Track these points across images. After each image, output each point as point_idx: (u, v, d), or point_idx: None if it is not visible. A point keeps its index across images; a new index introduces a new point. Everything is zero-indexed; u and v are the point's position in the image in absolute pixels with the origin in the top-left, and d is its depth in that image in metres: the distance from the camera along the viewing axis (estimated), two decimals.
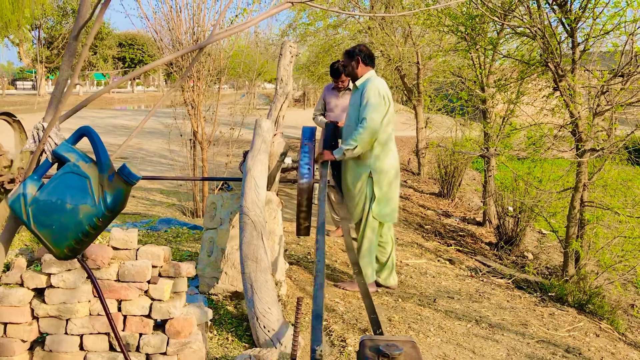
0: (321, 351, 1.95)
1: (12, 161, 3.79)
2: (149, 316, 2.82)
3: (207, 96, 7.16)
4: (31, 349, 2.82)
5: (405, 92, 12.40)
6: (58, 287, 2.73)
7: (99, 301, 2.76)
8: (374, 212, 4.42)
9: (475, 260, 6.31)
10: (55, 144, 1.71)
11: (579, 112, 5.36)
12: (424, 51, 11.17)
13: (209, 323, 3.43)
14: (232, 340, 3.40)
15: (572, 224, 5.51)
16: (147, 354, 2.82)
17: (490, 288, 5.19)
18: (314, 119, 6.11)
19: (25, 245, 3.40)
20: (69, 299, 2.74)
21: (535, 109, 6.31)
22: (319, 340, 2.06)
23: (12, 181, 3.52)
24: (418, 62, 11.12)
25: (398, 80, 12.09)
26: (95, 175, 1.66)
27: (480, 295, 4.91)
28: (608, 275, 5.55)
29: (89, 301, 2.80)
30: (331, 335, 3.68)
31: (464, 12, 6.82)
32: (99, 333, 2.80)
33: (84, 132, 1.71)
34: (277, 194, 4.45)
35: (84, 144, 1.74)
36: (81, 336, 2.80)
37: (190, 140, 7.30)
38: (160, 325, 2.88)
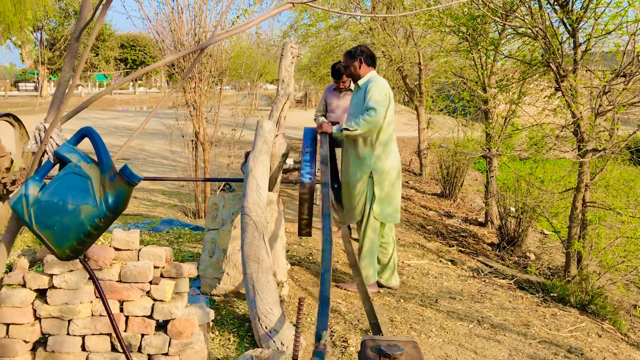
0: (325, 340, 1.92)
1: (12, 160, 3.80)
2: (150, 317, 2.83)
3: (209, 97, 7.17)
4: (33, 349, 2.83)
5: (407, 92, 12.40)
6: (60, 288, 2.74)
7: (101, 302, 2.76)
8: (376, 212, 4.42)
9: (477, 260, 6.31)
10: (56, 144, 1.71)
11: (580, 113, 5.35)
12: (426, 52, 11.17)
13: (211, 324, 3.43)
14: (234, 341, 3.40)
15: (574, 224, 5.50)
16: (149, 355, 2.82)
17: (492, 288, 5.18)
18: (315, 119, 6.11)
19: (28, 246, 3.40)
20: (71, 300, 2.75)
21: (537, 109, 6.30)
22: (325, 325, 2.02)
23: (14, 182, 3.53)
24: (420, 63, 11.11)
25: (400, 81, 12.09)
26: (97, 176, 1.66)
27: (482, 295, 4.90)
28: (610, 276, 5.54)
29: (91, 302, 2.80)
30: (333, 335, 3.68)
31: (466, 13, 6.82)
32: (100, 334, 2.81)
33: (85, 133, 1.71)
34: (279, 195, 4.45)
35: (86, 145, 1.75)
36: (83, 337, 2.81)
37: (192, 141, 7.31)
38: (162, 326, 2.88)
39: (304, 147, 4.31)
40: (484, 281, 5.40)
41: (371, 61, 4.50)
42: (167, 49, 7.00)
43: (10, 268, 2.83)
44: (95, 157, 1.71)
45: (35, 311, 2.77)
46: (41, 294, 2.79)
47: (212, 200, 4.21)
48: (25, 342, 2.75)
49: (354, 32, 12.02)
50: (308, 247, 5.66)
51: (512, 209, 7.12)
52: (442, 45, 9.49)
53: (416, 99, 11.68)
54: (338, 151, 5.28)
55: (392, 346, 1.65)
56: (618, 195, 5.82)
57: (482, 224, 8.32)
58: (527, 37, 6.06)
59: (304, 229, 4.43)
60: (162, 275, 2.90)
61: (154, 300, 2.83)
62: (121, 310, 2.81)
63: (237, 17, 7.80)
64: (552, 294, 5.24)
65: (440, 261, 5.92)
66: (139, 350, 2.82)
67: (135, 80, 54.88)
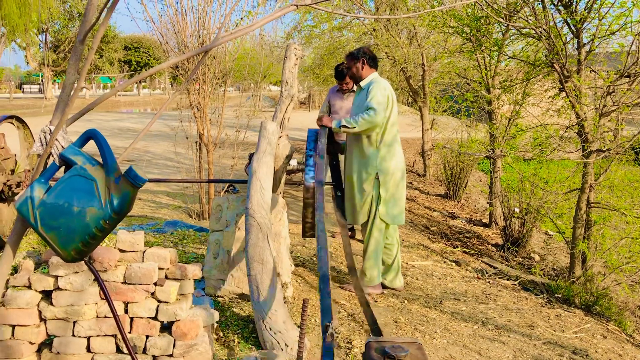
0: (333, 328, 1.89)
1: (16, 162, 3.81)
2: (155, 318, 2.83)
3: (213, 99, 7.18)
4: (39, 351, 2.84)
5: (410, 93, 12.39)
6: (65, 290, 2.75)
7: (106, 303, 2.77)
8: (382, 213, 4.42)
9: (482, 261, 6.30)
10: (62, 147, 1.72)
11: (585, 113, 5.34)
12: (429, 53, 11.16)
13: (215, 325, 3.44)
14: (239, 342, 3.41)
15: (578, 225, 5.49)
16: (153, 356, 2.83)
17: (497, 289, 5.18)
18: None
19: (33, 247, 3.42)
20: (76, 301, 2.76)
21: (541, 110, 6.29)
22: (329, 315, 1.99)
23: (19, 184, 3.55)
24: (423, 64, 11.11)
25: (403, 81, 12.08)
26: (102, 178, 1.67)
27: (486, 296, 4.90)
28: (615, 277, 5.53)
29: (96, 303, 2.81)
30: (337, 337, 3.68)
31: (469, 14, 6.81)
32: (106, 335, 2.81)
33: (90, 135, 1.72)
34: (283, 196, 4.46)
35: (91, 146, 1.75)
36: (88, 338, 2.81)
37: (196, 142, 7.32)
38: (166, 327, 2.89)
39: (307, 150, 4.32)
40: (488, 282, 5.39)
41: (373, 62, 4.52)
42: (171, 50, 7.02)
43: (15, 270, 2.84)
44: (100, 159, 1.72)
45: (40, 313, 2.78)
46: (46, 295, 2.80)
47: (216, 201, 4.21)
48: (31, 343, 2.76)
49: (357, 33, 12.02)
50: (312, 248, 5.66)
51: (517, 209, 7.11)
52: (446, 46, 9.49)
53: (420, 100, 11.67)
54: (342, 156, 5.29)
55: (396, 347, 1.65)
56: (623, 195, 5.81)
57: (486, 225, 8.31)
58: (530, 38, 6.05)
59: (308, 232, 4.44)
60: (166, 277, 2.91)
61: (159, 301, 2.84)
62: (126, 311, 2.82)
63: (241, 19, 7.82)
64: (556, 295, 5.23)
65: (444, 262, 5.91)
66: (144, 351, 2.82)
67: (140, 82, 55.00)
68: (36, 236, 3.75)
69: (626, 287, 5.35)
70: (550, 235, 8.16)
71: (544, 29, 5.33)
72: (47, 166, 1.75)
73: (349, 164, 4.59)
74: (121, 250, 2.87)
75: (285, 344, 3.19)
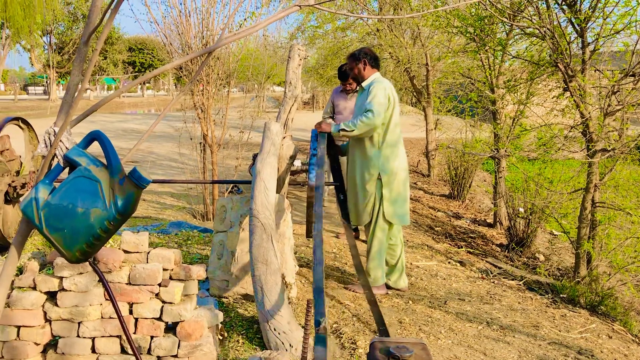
0: (325, 323, 2.00)
1: (21, 163, 3.83)
2: (160, 319, 2.84)
3: (217, 100, 7.19)
4: (44, 351, 2.84)
5: (414, 93, 12.38)
6: (70, 291, 2.76)
7: (111, 304, 2.78)
8: (388, 213, 4.42)
9: (486, 262, 6.29)
10: (66, 148, 1.72)
11: (589, 113, 5.33)
12: (433, 52, 11.15)
13: (220, 325, 3.44)
14: (243, 343, 3.41)
15: (583, 225, 5.47)
16: (158, 357, 2.83)
17: (502, 290, 5.17)
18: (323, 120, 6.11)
19: (38, 249, 3.43)
20: (80, 302, 2.76)
21: (546, 109, 6.27)
22: (322, 313, 2.10)
23: (24, 185, 3.56)
24: (427, 64, 11.10)
25: (407, 81, 12.07)
26: (106, 179, 1.68)
27: (491, 297, 4.88)
28: (621, 277, 5.50)
29: (101, 304, 2.82)
30: (342, 337, 3.67)
31: (473, 13, 6.80)
32: (110, 336, 2.82)
33: (94, 136, 1.73)
34: (287, 197, 4.46)
35: (96, 148, 1.76)
36: (93, 339, 2.82)
37: (200, 143, 7.33)
38: (171, 328, 2.89)
39: (311, 150, 4.33)
40: (493, 282, 5.38)
41: (375, 63, 4.53)
42: (174, 52, 7.03)
43: (20, 271, 2.85)
44: (104, 161, 1.72)
45: (45, 313, 2.79)
46: (51, 296, 2.81)
47: (220, 202, 4.22)
48: (36, 344, 2.77)
49: (361, 33, 12.02)
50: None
51: (521, 209, 7.09)
52: (450, 46, 9.47)
53: (424, 100, 11.66)
54: (343, 158, 5.30)
55: (401, 348, 1.65)
56: (628, 195, 5.78)
57: (490, 225, 8.29)
58: (534, 38, 6.04)
59: (312, 231, 4.43)
60: (171, 278, 2.91)
61: (163, 302, 2.84)
62: (130, 312, 2.83)
63: (245, 19, 7.83)
64: (561, 295, 5.22)
65: (449, 262, 5.90)
66: (149, 352, 2.83)
67: (144, 83, 55.13)
68: (41, 237, 3.76)
69: (632, 287, 5.33)
70: (555, 235, 8.14)
71: (548, 29, 5.32)
72: (52, 167, 1.76)
73: (351, 165, 4.59)
74: (125, 251, 2.88)
75: (290, 345, 3.19)
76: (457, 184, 10.01)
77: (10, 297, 2.73)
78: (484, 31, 6.68)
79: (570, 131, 5.78)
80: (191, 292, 2.95)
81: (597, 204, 5.48)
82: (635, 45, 5.06)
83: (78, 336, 2.80)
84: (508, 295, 5.02)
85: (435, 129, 11.80)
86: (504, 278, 5.60)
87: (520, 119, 7.14)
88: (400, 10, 11.05)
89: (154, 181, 3.88)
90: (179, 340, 2.84)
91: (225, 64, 7.20)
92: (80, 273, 2.77)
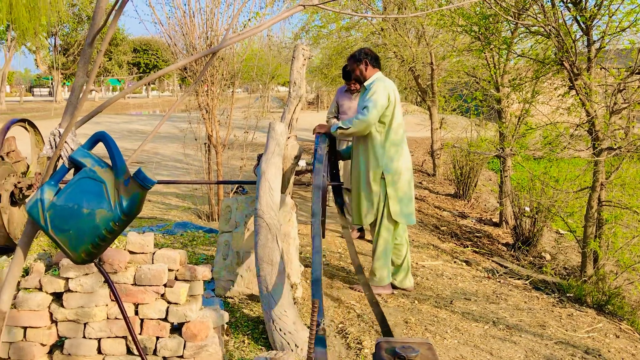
0: (324, 325, 2.01)
1: (28, 165, 3.84)
2: (165, 319, 2.84)
3: (221, 100, 7.20)
4: (50, 352, 2.85)
5: (419, 92, 12.35)
6: (76, 292, 2.76)
7: (116, 305, 2.78)
8: (395, 212, 4.42)
9: (492, 261, 6.27)
10: (71, 149, 1.72)
11: (595, 111, 5.30)
12: (438, 51, 11.13)
13: (225, 326, 3.44)
14: (249, 343, 3.41)
15: (589, 223, 5.45)
16: (164, 357, 2.84)
17: (508, 289, 5.15)
18: (327, 121, 6.12)
19: (44, 250, 3.44)
20: (86, 303, 2.77)
21: (551, 108, 6.25)
22: (320, 312, 2.11)
23: (30, 187, 3.57)
24: (432, 63, 11.08)
25: (412, 81, 12.05)
26: (111, 180, 1.68)
27: (497, 296, 4.87)
28: (628, 276, 5.48)
29: (107, 305, 2.82)
30: (347, 337, 3.67)
31: (478, 12, 6.78)
32: (116, 337, 2.83)
33: (99, 137, 1.73)
34: (292, 197, 4.46)
35: (101, 149, 1.76)
36: (99, 340, 2.83)
37: (205, 144, 7.34)
38: (177, 329, 2.89)
39: (315, 149, 4.33)
40: (499, 282, 5.36)
41: (376, 62, 4.54)
42: (179, 52, 7.04)
43: (26, 272, 2.86)
44: (109, 162, 1.72)
45: (51, 314, 2.80)
46: (57, 297, 2.82)
47: (226, 202, 4.22)
48: (42, 345, 2.78)
49: (365, 33, 12.01)
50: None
51: (527, 208, 7.07)
52: (454, 44, 9.45)
53: (429, 99, 11.64)
54: (347, 161, 5.33)
55: (406, 348, 1.64)
56: (634, 194, 5.75)
57: (496, 224, 8.27)
58: (540, 36, 6.02)
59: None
60: (176, 278, 2.92)
61: (169, 303, 2.85)
62: (136, 313, 2.83)
63: (249, 20, 7.82)
64: (568, 294, 5.19)
65: (454, 262, 5.89)
66: (154, 352, 2.83)
67: (148, 84, 55.28)
68: (47, 238, 3.77)
69: (639, 285, 5.30)
70: (561, 234, 8.11)
71: (553, 27, 5.29)
72: (57, 169, 1.76)
73: (355, 165, 4.59)
74: (131, 252, 2.88)
75: (296, 345, 3.19)
76: (462, 183, 9.98)
77: (17, 298, 2.74)
78: (489, 30, 6.66)
79: (576, 130, 5.76)
80: (196, 293, 2.95)
81: (604, 203, 5.46)
82: None
83: (84, 337, 2.81)
84: (514, 294, 5.01)
85: (440, 128, 11.77)
86: (510, 277, 5.58)
87: (525, 117, 7.12)
88: (405, 9, 11.04)
89: (159, 182, 3.88)
90: (185, 341, 2.84)
91: (229, 65, 7.20)
92: (86, 274, 2.78)
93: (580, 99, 5.33)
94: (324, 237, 4.37)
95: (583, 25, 5.34)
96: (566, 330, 4.24)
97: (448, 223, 8.08)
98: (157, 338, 2.84)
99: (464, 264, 5.88)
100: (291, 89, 4.50)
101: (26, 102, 44.87)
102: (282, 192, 3.99)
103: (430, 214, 8.51)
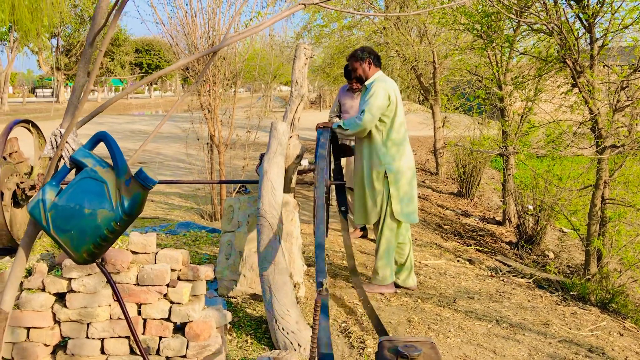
0: (327, 282, 2.05)
1: (32, 168, 3.84)
2: (168, 319, 2.84)
3: (224, 100, 7.20)
4: (54, 352, 2.85)
5: (421, 91, 12.34)
6: (79, 292, 2.76)
7: (119, 305, 2.78)
8: (396, 211, 4.41)
9: (495, 259, 6.26)
10: (72, 149, 1.72)
11: (598, 109, 5.29)
12: (440, 50, 11.11)
13: (228, 326, 3.44)
14: (252, 343, 3.41)
15: (593, 221, 5.43)
16: (167, 357, 2.83)
17: (511, 288, 5.14)
18: (329, 120, 6.11)
19: (47, 250, 3.44)
20: (89, 304, 2.77)
21: (554, 106, 6.24)
22: (323, 271, 2.16)
23: (32, 187, 3.57)
24: (434, 61, 11.06)
25: (414, 79, 12.03)
26: (113, 180, 1.67)
27: (500, 295, 4.86)
28: (631, 274, 5.46)
29: (109, 305, 2.82)
30: (350, 337, 3.67)
31: (480, 10, 6.77)
32: (119, 337, 2.82)
33: (100, 137, 1.72)
34: (294, 196, 4.46)
35: (103, 149, 1.76)
36: (102, 340, 2.83)
37: (207, 144, 7.34)
38: (179, 329, 2.89)
39: (317, 145, 4.33)
40: (503, 280, 5.35)
41: (378, 62, 4.54)
42: (181, 52, 7.04)
43: (29, 272, 2.86)
44: (110, 162, 1.72)
45: (54, 315, 2.80)
46: (60, 297, 2.82)
47: (228, 202, 4.22)
48: (46, 345, 2.78)
49: (367, 32, 11.99)
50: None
51: (530, 207, 7.05)
52: (457, 43, 9.43)
53: (431, 98, 11.62)
54: (351, 159, 5.32)
55: (409, 347, 1.64)
56: (638, 191, 5.74)
57: (499, 223, 8.25)
58: (542, 34, 6.00)
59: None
60: (179, 278, 2.91)
61: (172, 302, 2.85)
62: (139, 313, 2.83)
63: (250, 19, 7.83)
64: (571, 293, 5.18)
65: (457, 261, 5.88)
66: (157, 352, 2.83)
67: (151, 84, 55.34)
68: (50, 239, 3.77)
69: None
70: (564, 232, 8.09)
71: (555, 24, 5.28)
72: (58, 169, 1.76)
73: (358, 164, 4.59)
74: (133, 252, 2.88)
75: (299, 344, 3.19)
76: (465, 181, 9.96)
77: (20, 298, 2.74)
78: (491, 28, 6.64)
79: (579, 127, 5.74)
80: (199, 293, 2.95)
81: (607, 201, 5.44)
82: None
83: (87, 337, 2.81)
84: (518, 293, 5.00)
85: (443, 126, 11.75)
86: (513, 276, 5.57)
87: (528, 115, 7.10)
88: (407, 7, 11.01)
89: (161, 182, 3.88)
90: (188, 341, 2.84)
91: (231, 64, 7.21)
92: (89, 274, 2.78)
93: (583, 96, 5.32)
94: (326, 236, 4.36)
95: (585, 23, 5.32)
96: (570, 329, 4.23)
97: (451, 222, 8.07)
98: (160, 338, 2.84)
99: (467, 262, 5.88)
100: (293, 88, 4.49)
101: (29, 103, 44.98)
102: (284, 191, 3.98)
103: (433, 212, 8.50)
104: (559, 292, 5.20)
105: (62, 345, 2.86)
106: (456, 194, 10.21)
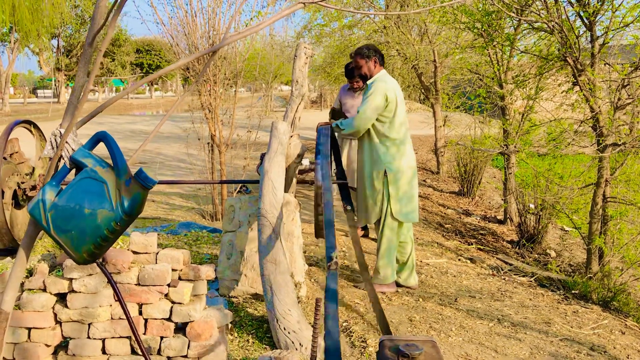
0: (336, 256, 2.10)
1: (33, 168, 3.84)
2: (169, 319, 2.84)
3: (224, 100, 7.20)
4: (55, 353, 2.85)
5: (422, 90, 12.33)
6: (80, 292, 2.76)
7: (120, 305, 2.78)
8: (395, 211, 4.41)
9: (497, 258, 6.25)
10: (72, 149, 1.72)
11: (599, 107, 5.28)
12: (441, 49, 11.10)
13: (230, 325, 3.44)
14: (253, 342, 3.41)
15: (594, 220, 5.43)
16: (168, 357, 2.83)
17: (512, 286, 5.13)
18: (330, 119, 6.11)
19: (48, 250, 3.44)
20: (90, 304, 2.77)
21: (555, 104, 6.23)
22: (333, 246, 2.21)
23: (33, 188, 3.57)
24: (435, 60, 11.05)
25: (415, 79, 12.02)
26: (113, 180, 1.67)
27: (502, 293, 4.85)
28: (633, 272, 5.46)
29: (111, 305, 2.82)
30: (352, 336, 3.66)
31: (480, 9, 6.76)
32: (120, 337, 2.83)
33: (100, 137, 1.72)
34: (295, 196, 4.45)
35: (103, 150, 1.75)
36: (103, 340, 2.83)
37: (208, 144, 7.34)
38: (181, 328, 2.89)
39: (317, 144, 4.32)
40: (504, 279, 5.35)
41: (382, 60, 4.54)
42: (181, 52, 7.04)
43: (30, 273, 2.86)
44: (110, 162, 1.72)
45: (55, 315, 2.80)
46: (61, 298, 2.82)
47: (229, 202, 4.22)
48: (47, 345, 2.78)
49: (368, 31, 11.98)
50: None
51: (532, 205, 7.04)
52: (457, 42, 9.43)
53: (432, 97, 11.62)
54: (354, 157, 5.32)
55: (410, 346, 1.63)
56: (639, 190, 5.73)
57: (501, 222, 8.24)
58: (543, 32, 6.00)
59: (321, 230, 4.42)
60: (180, 278, 2.91)
61: (173, 302, 2.84)
62: (140, 313, 2.83)
63: (251, 19, 7.82)
64: (573, 291, 5.18)
65: (459, 259, 5.87)
66: (159, 352, 2.83)
67: (152, 84, 55.35)
68: (51, 239, 3.77)
69: None
70: (566, 230, 8.08)
71: (556, 23, 5.27)
72: (58, 169, 1.76)
73: (360, 163, 4.59)
74: (134, 252, 2.88)
75: (300, 344, 3.19)
76: (466, 180, 9.96)
77: (21, 299, 2.74)
78: (492, 26, 6.64)
79: (580, 126, 5.74)
80: (200, 292, 2.95)
81: (609, 199, 5.43)
82: None
83: (88, 337, 2.81)
84: (519, 292, 4.99)
85: (443, 125, 11.74)
86: (514, 275, 5.56)
87: (529, 114, 7.09)
88: (407, 6, 11.01)
89: (161, 182, 3.88)
90: (189, 341, 2.84)
91: (232, 64, 7.20)
92: (90, 274, 2.78)
93: (584, 95, 5.31)
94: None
95: (586, 21, 5.31)
96: (571, 327, 4.23)
97: (452, 221, 8.07)
98: (162, 338, 2.84)
99: (469, 261, 5.87)
100: (293, 88, 4.49)
101: (30, 103, 45.01)
102: (285, 191, 3.98)
103: (434, 211, 8.49)
104: (561, 291, 5.19)
105: (63, 345, 2.86)
106: (457, 192, 10.20)
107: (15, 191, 3.49)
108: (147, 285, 2.81)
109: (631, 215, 5.65)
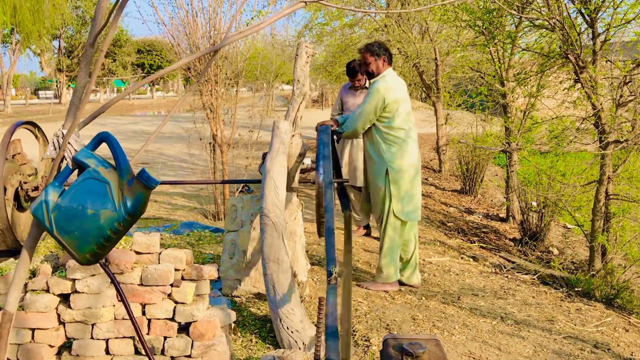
0: (336, 271, 2.08)
1: (36, 169, 3.85)
2: (172, 319, 2.84)
3: (226, 99, 7.19)
4: (59, 353, 2.86)
5: (423, 88, 12.32)
6: (83, 293, 2.77)
7: (123, 305, 2.78)
8: (396, 210, 4.41)
9: (500, 256, 6.24)
10: (75, 150, 1.72)
11: (601, 104, 5.27)
12: (442, 47, 11.08)
13: (233, 325, 3.44)
14: (256, 342, 3.41)
15: (597, 217, 5.42)
16: (172, 357, 2.84)
17: (515, 284, 5.13)
18: (331, 118, 6.10)
19: (51, 251, 3.44)
20: (93, 304, 2.77)
21: (557, 101, 6.22)
22: (333, 259, 2.19)
23: (36, 189, 3.57)
24: (436, 59, 11.03)
25: (416, 77, 12.01)
26: (115, 180, 1.67)
27: (505, 291, 4.85)
28: (636, 269, 5.45)
29: (114, 305, 2.83)
30: (355, 335, 3.66)
31: (481, 7, 6.75)
32: (124, 337, 2.83)
33: (102, 138, 1.72)
34: (297, 195, 4.45)
35: (106, 150, 1.75)
36: (107, 340, 2.83)
37: (210, 143, 7.34)
38: (184, 328, 2.89)
39: (318, 144, 4.32)
40: (507, 277, 5.34)
41: (391, 60, 4.55)
42: (182, 52, 7.04)
43: (33, 274, 2.86)
44: (113, 162, 1.72)
45: (59, 316, 2.80)
46: (64, 298, 2.82)
47: (231, 202, 4.22)
48: (51, 346, 2.79)
49: (369, 29, 11.97)
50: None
51: (534, 203, 7.03)
52: (458, 40, 9.42)
53: (433, 95, 11.60)
54: (359, 157, 5.33)
55: (414, 344, 1.63)
56: None
57: (503, 220, 8.23)
58: (544, 29, 5.98)
59: (323, 229, 4.42)
60: (183, 278, 2.91)
61: (176, 302, 2.85)
62: (143, 313, 2.83)
63: (252, 18, 7.82)
64: (576, 289, 5.17)
65: (461, 258, 5.87)
66: (162, 352, 2.83)
67: (153, 84, 55.38)
68: (54, 240, 3.77)
69: None
70: (568, 228, 8.07)
71: (557, 20, 5.26)
72: (61, 170, 1.76)
73: (366, 162, 4.63)
74: (137, 252, 2.88)
75: (303, 343, 3.19)
76: (468, 178, 9.95)
77: (24, 300, 2.74)
78: (493, 24, 6.63)
79: (582, 123, 5.73)
80: (203, 292, 2.95)
81: (611, 196, 5.42)
82: None
83: (92, 338, 2.81)
84: (522, 289, 4.99)
85: (445, 124, 11.73)
86: (517, 272, 5.56)
87: (531, 111, 7.08)
88: (408, 5, 10.99)
89: (163, 182, 3.88)
90: (192, 341, 2.84)
91: (233, 64, 7.20)
92: (93, 275, 2.78)
93: (586, 92, 5.30)
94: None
95: (588, 18, 5.30)
96: (575, 325, 4.22)
97: (455, 219, 8.06)
98: (165, 338, 2.84)
99: (471, 259, 5.87)
100: (295, 87, 4.49)
101: (31, 104, 45.06)
102: (287, 190, 3.98)
103: (436, 210, 8.49)
104: (564, 288, 5.19)
105: (67, 346, 2.87)
106: (459, 191, 10.19)
107: (17, 192, 3.50)
108: (150, 286, 2.81)
109: (634, 213, 5.64)
